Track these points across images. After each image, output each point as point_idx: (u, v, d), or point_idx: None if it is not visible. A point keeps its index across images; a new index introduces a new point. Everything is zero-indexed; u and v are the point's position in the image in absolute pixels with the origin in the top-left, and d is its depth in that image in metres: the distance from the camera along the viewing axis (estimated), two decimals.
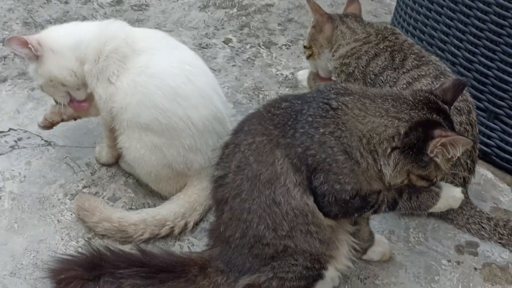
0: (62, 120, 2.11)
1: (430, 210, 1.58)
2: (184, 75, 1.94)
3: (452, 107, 1.59)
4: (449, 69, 1.98)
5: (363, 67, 2.00)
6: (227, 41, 2.92)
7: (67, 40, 1.96)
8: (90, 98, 2.04)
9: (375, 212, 1.57)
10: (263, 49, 2.88)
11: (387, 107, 1.49)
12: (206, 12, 3.14)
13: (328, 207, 1.53)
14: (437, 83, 1.85)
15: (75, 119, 2.16)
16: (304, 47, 2.21)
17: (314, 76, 2.28)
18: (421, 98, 1.51)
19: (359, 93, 1.53)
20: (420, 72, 1.91)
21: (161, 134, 1.90)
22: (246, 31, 3.01)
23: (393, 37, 2.04)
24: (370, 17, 3.20)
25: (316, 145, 1.48)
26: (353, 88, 1.56)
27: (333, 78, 2.13)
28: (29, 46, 1.92)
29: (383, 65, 1.97)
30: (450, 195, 1.59)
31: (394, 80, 1.93)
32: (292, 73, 2.69)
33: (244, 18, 3.12)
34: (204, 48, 2.86)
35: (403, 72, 1.93)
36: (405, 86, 1.90)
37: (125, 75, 1.92)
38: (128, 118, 1.91)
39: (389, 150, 1.47)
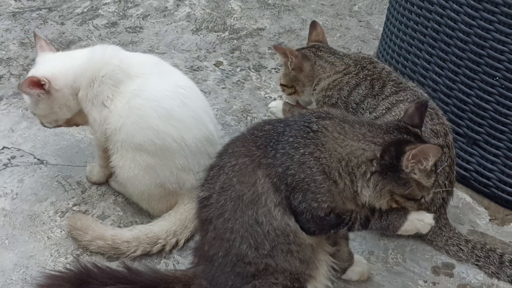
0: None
1: (399, 232, 1.64)
2: (178, 98, 2.02)
3: (423, 129, 1.67)
4: (425, 95, 2.06)
5: (345, 97, 2.08)
6: (218, 64, 3.00)
7: (67, 80, 2.03)
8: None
9: (349, 229, 1.64)
10: (253, 72, 2.96)
11: (364, 132, 1.57)
12: (199, 35, 3.22)
13: (306, 224, 1.60)
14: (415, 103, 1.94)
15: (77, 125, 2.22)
16: (282, 85, 2.29)
17: (290, 107, 2.35)
18: (392, 125, 1.60)
19: (339, 118, 1.61)
20: (398, 97, 1.99)
21: (155, 154, 1.97)
22: (237, 54, 3.08)
23: (371, 66, 2.12)
24: (359, 42, 3.28)
25: (295, 165, 1.55)
26: (334, 113, 1.64)
27: (315, 106, 2.21)
28: (42, 84, 2.00)
29: (364, 93, 2.05)
30: (418, 218, 1.64)
31: (374, 106, 2.01)
32: (280, 96, 2.76)
33: (235, 41, 3.19)
34: (195, 70, 2.93)
35: (382, 99, 2.01)
36: (384, 111, 1.98)
37: (119, 99, 2.00)
38: (123, 138, 1.98)
39: (368, 174, 1.54)
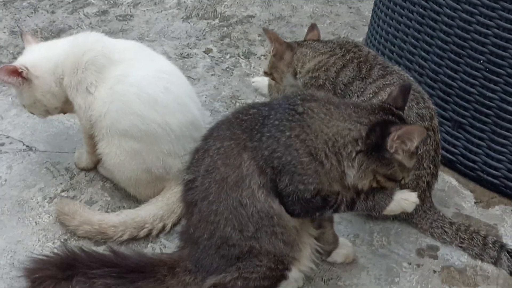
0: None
1: (385, 212, 1.66)
2: (161, 83, 2.03)
3: (409, 113, 1.68)
4: (412, 78, 2.07)
5: (333, 78, 2.09)
6: (207, 51, 3.01)
7: (48, 66, 2.05)
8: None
9: (335, 211, 1.65)
10: (242, 59, 2.97)
11: (349, 113, 1.59)
12: (189, 22, 3.23)
13: (292, 206, 1.62)
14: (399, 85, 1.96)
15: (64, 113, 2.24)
16: (265, 73, 2.30)
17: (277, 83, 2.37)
18: (377, 106, 1.62)
19: (324, 100, 1.63)
20: (385, 81, 2.01)
21: (140, 140, 1.99)
22: (227, 42, 3.09)
23: (357, 49, 2.13)
24: (348, 29, 3.29)
25: (282, 147, 1.57)
26: (318, 95, 1.66)
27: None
28: (20, 72, 2.02)
29: (352, 75, 2.06)
30: (403, 198, 1.67)
31: (362, 89, 2.02)
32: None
33: (225, 29, 3.20)
34: (185, 58, 2.94)
35: (370, 82, 2.02)
36: (371, 95, 1.99)
37: (103, 85, 2.01)
38: (107, 125, 2.00)
39: (354, 154, 1.56)
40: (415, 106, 1.96)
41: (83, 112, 2.04)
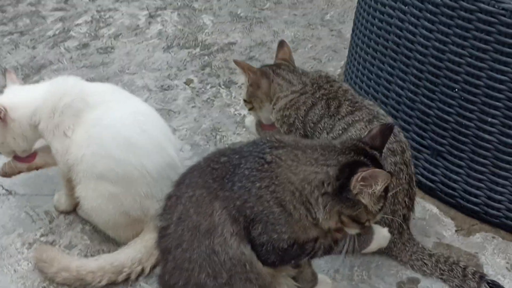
0: (20, 172, 2.20)
1: (365, 251, 1.67)
2: (137, 125, 2.04)
3: (383, 150, 1.67)
4: (383, 112, 2.07)
5: (302, 117, 2.10)
6: (188, 82, 3.01)
7: (26, 111, 2.05)
8: (42, 150, 2.13)
9: (312, 257, 1.65)
10: (223, 88, 2.97)
11: (316, 156, 1.58)
12: (170, 53, 3.24)
13: (266, 255, 1.61)
14: (370, 127, 1.95)
15: (37, 169, 2.24)
16: (244, 101, 2.30)
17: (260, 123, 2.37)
18: (349, 146, 1.61)
19: (292, 145, 1.63)
20: (354, 117, 2.01)
21: (117, 183, 1.99)
22: (208, 71, 3.10)
23: (328, 85, 2.13)
24: (330, 52, 3.29)
25: (253, 198, 1.57)
26: (286, 141, 1.66)
27: (277, 126, 2.22)
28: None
29: (320, 113, 2.06)
30: (381, 236, 1.68)
31: (331, 126, 2.03)
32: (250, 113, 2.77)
33: (206, 57, 3.21)
34: (165, 90, 2.95)
35: (339, 119, 2.02)
36: (340, 132, 1.99)
37: (79, 128, 2.01)
38: (84, 169, 2.00)
39: (319, 197, 1.55)
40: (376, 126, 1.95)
41: (61, 156, 2.04)
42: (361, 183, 1.52)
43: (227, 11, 3.65)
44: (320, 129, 2.05)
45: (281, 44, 2.35)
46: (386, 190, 1.57)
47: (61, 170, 2.08)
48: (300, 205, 1.56)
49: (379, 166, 1.59)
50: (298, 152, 1.60)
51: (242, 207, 1.57)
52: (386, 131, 1.65)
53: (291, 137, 1.73)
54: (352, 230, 1.61)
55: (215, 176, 1.64)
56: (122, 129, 2.00)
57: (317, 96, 2.11)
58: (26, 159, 2.17)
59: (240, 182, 1.59)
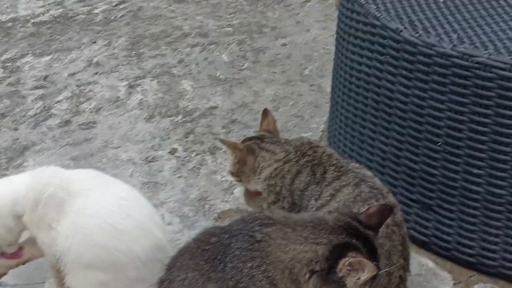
0: (10, 269, 2.17)
1: None
2: (122, 211, 2.02)
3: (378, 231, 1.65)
4: (369, 174, 2.06)
5: (288, 185, 2.09)
6: (172, 152, 3.01)
7: (5, 204, 2.02)
8: (28, 243, 2.10)
9: None
10: (208, 155, 2.97)
11: (306, 234, 1.57)
12: (152, 122, 3.24)
13: None
14: (358, 191, 1.95)
15: (24, 263, 2.21)
16: (231, 173, 2.30)
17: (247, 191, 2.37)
18: (342, 224, 1.59)
19: (281, 222, 1.62)
20: (341, 183, 2.00)
21: (106, 270, 1.96)
22: (191, 138, 3.09)
23: (312, 151, 2.13)
24: (312, 108, 3.31)
25: (246, 278, 1.55)
26: (276, 218, 1.65)
27: (264, 195, 2.21)
28: None
29: (306, 180, 2.06)
30: None
31: (318, 193, 2.02)
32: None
33: (189, 124, 3.21)
34: (150, 162, 2.94)
35: (326, 185, 2.02)
36: (329, 198, 1.99)
37: (64, 219, 1.99)
38: (72, 259, 1.97)
39: (308, 275, 1.53)
40: (375, 203, 1.94)
41: (47, 248, 2.01)
42: (348, 267, 1.50)
43: (206, 74, 3.66)
44: (308, 196, 2.04)
45: (265, 113, 2.36)
46: (371, 279, 1.54)
47: (49, 261, 2.05)
48: (290, 283, 1.54)
49: (372, 248, 1.58)
50: (288, 229, 1.59)
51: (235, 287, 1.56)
52: (384, 211, 1.63)
53: (281, 213, 1.72)
54: None
55: (206, 257, 1.62)
56: (106, 216, 1.98)
57: (302, 163, 2.10)
58: (14, 255, 2.14)
59: (231, 262, 1.57)
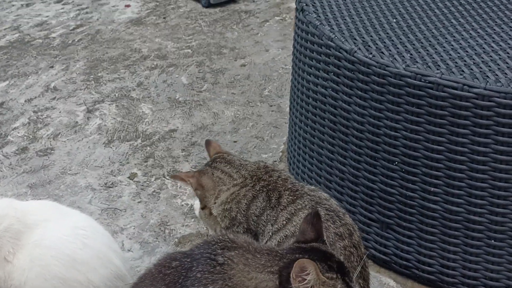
0: None
1: None
2: (78, 240, 2.00)
3: (325, 237, 1.63)
4: (325, 196, 2.06)
5: (244, 210, 2.08)
6: (132, 176, 2.98)
7: None
8: None
9: None
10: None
11: (263, 262, 1.56)
12: (111, 147, 3.21)
13: None
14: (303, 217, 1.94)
15: None
16: (202, 208, 2.28)
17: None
18: (287, 250, 1.59)
19: (243, 247, 1.61)
20: (296, 206, 2.00)
21: None
22: (151, 163, 3.07)
23: (267, 176, 2.12)
24: (272, 129, 3.31)
25: None
26: (238, 241, 1.64)
27: (217, 219, 2.19)
28: None
29: (262, 206, 2.05)
30: None
31: (274, 218, 2.01)
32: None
33: (148, 148, 3.19)
34: (109, 187, 2.91)
35: (281, 209, 2.01)
36: (285, 222, 1.98)
37: (21, 251, 1.97)
38: None
39: None
40: (332, 225, 1.94)
41: (3, 282, 1.98)
42: (298, 279, 1.47)
43: (165, 97, 3.64)
44: (264, 221, 2.03)
45: (208, 143, 2.35)
46: (343, 275, 1.53)
47: None
48: None
49: (323, 253, 1.55)
50: (249, 256, 1.58)
51: None
52: (312, 219, 1.62)
53: (243, 237, 1.71)
54: None
55: (167, 281, 1.60)
56: (64, 247, 1.96)
57: (257, 188, 2.10)
58: None
59: (192, 286, 1.56)
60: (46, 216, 2.04)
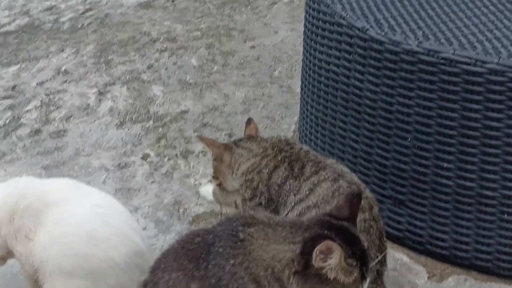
0: None
1: None
2: (99, 218, 2.02)
3: (357, 220, 1.64)
4: (347, 170, 2.08)
5: (266, 180, 2.10)
6: (145, 157, 3.01)
7: None
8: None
9: None
10: (181, 159, 2.97)
11: (285, 234, 1.59)
12: (123, 129, 3.23)
13: None
14: (336, 186, 1.97)
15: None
16: (213, 177, 2.31)
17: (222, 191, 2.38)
18: (314, 221, 1.61)
19: (263, 223, 1.64)
20: (319, 177, 2.02)
21: (86, 278, 1.95)
22: (163, 143, 3.10)
23: (288, 147, 2.14)
24: (282, 110, 3.33)
25: (227, 275, 1.56)
26: (259, 218, 1.67)
27: (240, 191, 2.22)
28: None
29: (284, 175, 2.07)
30: None
31: (297, 188, 2.03)
32: (210, 181, 2.77)
33: (160, 129, 3.21)
34: (123, 168, 2.93)
35: (304, 180, 2.03)
36: (308, 192, 2.00)
37: (41, 229, 1.99)
38: (51, 269, 1.96)
39: (291, 276, 1.55)
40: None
41: (25, 259, 2.01)
42: (321, 256, 1.49)
43: (176, 79, 3.66)
44: (286, 191, 2.05)
45: (248, 121, 2.36)
46: (362, 264, 1.55)
47: (27, 272, 2.05)
48: (274, 282, 1.56)
49: (350, 236, 1.57)
50: (269, 230, 1.60)
51: (216, 286, 1.56)
52: (352, 199, 1.63)
53: (264, 214, 1.74)
54: None
55: (190, 257, 1.63)
56: (84, 225, 1.98)
57: (279, 158, 2.12)
58: None
59: (214, 260, 1.59)
60: (66, 194, 2.06)
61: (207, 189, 2.59)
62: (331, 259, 1.49)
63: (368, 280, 1.58)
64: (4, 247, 2.07)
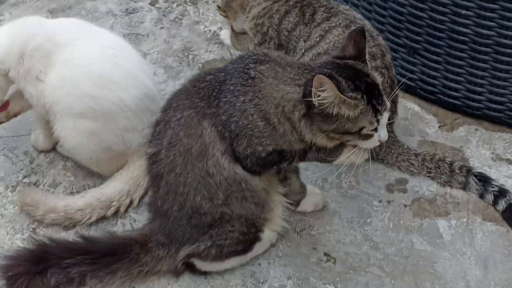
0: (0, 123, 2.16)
1: (335, 163, 1.67)
2: (109, 59, 1.98)
3: (366, 57, 1.59)
4: (359, 16, 2.03)
5: (276, 25, 2.05)
6: (153, 2, 2.92)
7: None
8: (15, 96, 2.07)
9: (289, 163, 1.67)
10: (190, 6, 2.89)
11: (292, 75, 1.56)
12: None
13: (251, 167, 1.63)
14: (348, 32, 1.90)
15: (15, 116, 2.18)
16: (219, 7, 2.25)
17: (235, 33, 2.34)
18: (320, 63, 1.59)
19: (275, 61, 1.61)
20: (330, 24, 1.97)
21: (96, 119, 1.95)
22: None
23: None
24: None
25: (238, 112, 1.57)
26: (271, 55, 1.64)
27: (250, 35, 2.17)
28: None
29: (295, 21, 2.02)
30: (352, 153, 1.62)
31: (307, 34, 1.99)
32: (220, 28, 2.71)
33: None
34: (131, 13, 2.86)
35: (315, 26, 1.98)
36: (318, 39, 1.96)
37: (51, 70, 1.95)
38: (61, 110, 1.95)
39: (301, 119, 1.54)
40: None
41: (36, 100, 1.98)
42: (317, 92, 1.47)
43: None
44: (296, 37, 2.01)
45: None
46: (371, 97, 1.52)
47: (38, 113, 2.03)
48: (284, 120, 1.55)
49: (355, 72, 1.53)
50: (279, 69, 1.58)
51: (227, 122, 1.58)
52: (356, 36, 1.57)
53: (277, 53, 1.69)
54: (363, 144, 1.57)
55: (201, 95, 1.63)
56: (94, 66, 1.94)
57: (291, 3, 2.05)
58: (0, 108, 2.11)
59: (225, 97, 1.59)
60: (75, 35, 1.99)
61: (226, 33, 2.57)
62: (324, 91, 1.45)
63: (384, 113, 1.55)
64: (6, 90, 2.04)
